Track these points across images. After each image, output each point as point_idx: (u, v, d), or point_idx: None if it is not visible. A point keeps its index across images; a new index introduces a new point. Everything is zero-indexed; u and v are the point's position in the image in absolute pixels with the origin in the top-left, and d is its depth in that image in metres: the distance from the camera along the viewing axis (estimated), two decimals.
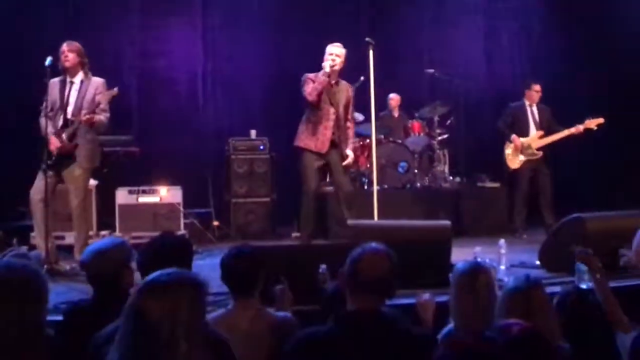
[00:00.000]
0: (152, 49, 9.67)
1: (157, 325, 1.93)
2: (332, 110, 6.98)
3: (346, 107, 7.13)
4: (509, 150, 8.61)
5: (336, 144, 7.02)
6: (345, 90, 7.14)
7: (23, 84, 7.71)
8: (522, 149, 8.50)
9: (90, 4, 9.14)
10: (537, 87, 8.63)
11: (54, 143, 6.26)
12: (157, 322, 1.94)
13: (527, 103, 8.66)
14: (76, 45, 6.42)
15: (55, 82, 6.40)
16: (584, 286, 5.05)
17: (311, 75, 6.96)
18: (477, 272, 3.11)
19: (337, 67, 6.92)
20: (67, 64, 6.33)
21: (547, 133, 8.50)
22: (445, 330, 3.20)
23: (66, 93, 6.37)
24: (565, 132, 8.37)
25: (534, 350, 1.99)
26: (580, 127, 8.27)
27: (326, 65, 6.86)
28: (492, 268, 5.11)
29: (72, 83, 6.41)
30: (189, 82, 9.95)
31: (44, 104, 6.28)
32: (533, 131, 8.56)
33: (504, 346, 2.05)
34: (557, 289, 4.79)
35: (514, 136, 8.54)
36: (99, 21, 9.04)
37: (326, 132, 6.96)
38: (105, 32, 9.02)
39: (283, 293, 3.78)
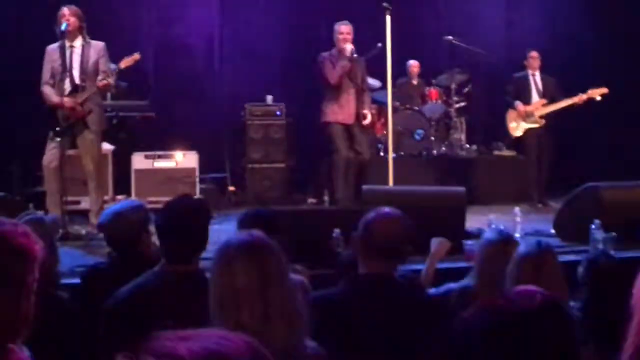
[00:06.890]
0: (168, 15, 9.60)
1: None
2: (351, 84, 7.30)
3: (363, 79, 7.50)
4: (511, 118, 8.53)
5: (358, 116, 7.35)
6: (361, 64, 7.43)
7: (36, 49, 7.68)
8: (525, 117, 8.40)
9: None
10: (534, 54, 8.50)
11: (69, 103, 6.17)
12: None
13: (529, 72, 8.54)
14: (76, 8, 6.34)
15: (53, 48, 6.32)
16: None
17: (326, 55, 7.24)
18: (507, 241, 3.25)
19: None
20: (70, 28, 6.23)
21: (551, 102, 8.37)
22: (454, 286, 3.28)
23: (67, 58, 6.30)
24: (569, 101, 8.23)
25: (556, 322, 1.98)
26: (583, 97, 8.14)
27: (347, 48, 7.09)
28: None
29: (72, 47, 6.32)
30: (206, 48, 9.89)
31: (44, 72, 6.26)
32: (536, 99, 8.44)
33: (524, 314, 2.05)
34: (571, 257, 4.80)
35: (517, 102, 8.42)
36: None
37: (350, 104, 7.30)
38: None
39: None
